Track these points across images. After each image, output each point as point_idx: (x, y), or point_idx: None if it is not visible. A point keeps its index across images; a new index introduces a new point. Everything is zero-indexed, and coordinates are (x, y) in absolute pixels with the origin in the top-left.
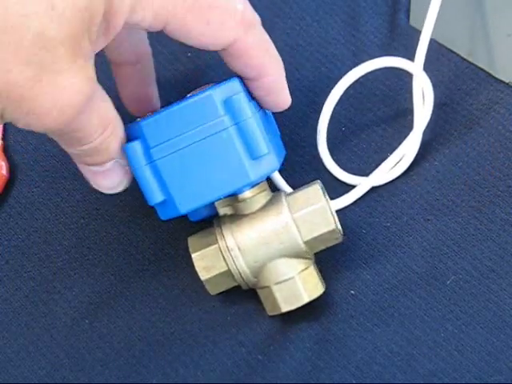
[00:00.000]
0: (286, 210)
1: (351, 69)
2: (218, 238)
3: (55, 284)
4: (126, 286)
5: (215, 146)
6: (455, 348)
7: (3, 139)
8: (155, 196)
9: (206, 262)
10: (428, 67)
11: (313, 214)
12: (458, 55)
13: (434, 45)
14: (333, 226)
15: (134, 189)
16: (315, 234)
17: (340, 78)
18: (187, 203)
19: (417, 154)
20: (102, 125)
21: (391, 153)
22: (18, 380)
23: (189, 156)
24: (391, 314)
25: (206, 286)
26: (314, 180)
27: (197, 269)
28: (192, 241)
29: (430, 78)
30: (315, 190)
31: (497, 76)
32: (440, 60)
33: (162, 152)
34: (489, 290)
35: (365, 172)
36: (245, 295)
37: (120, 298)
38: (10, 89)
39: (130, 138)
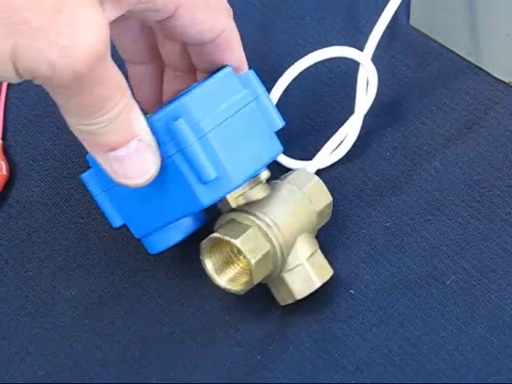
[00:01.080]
0: (296, 187)
1: (351, 68)
2: (253, 219)
3: (55, 284)
4: (125, 285)
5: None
6: (455, 348)
7: (3, 139)
8: (115, 221)
9: (252, 244)
10: (428, 67)
11: (315, 188)
12: (458, 55)
13: (434, 45)
14: (331, 198)
15: None
16: (321, 206)
17: (340, 77)
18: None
19: (417, 154)
20: (120, 88)
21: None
22: (17, 380)
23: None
24: (391, 313)
25: (252, 273)
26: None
27: (245, 253)
28: (222, 232)
29: (430, 78)
30: (303, 171)
31: (497, 76)
32: (440, 60)
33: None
34: (489, 290)
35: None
36: (244, 296)
37: (120, 298)
38: (30, 18)
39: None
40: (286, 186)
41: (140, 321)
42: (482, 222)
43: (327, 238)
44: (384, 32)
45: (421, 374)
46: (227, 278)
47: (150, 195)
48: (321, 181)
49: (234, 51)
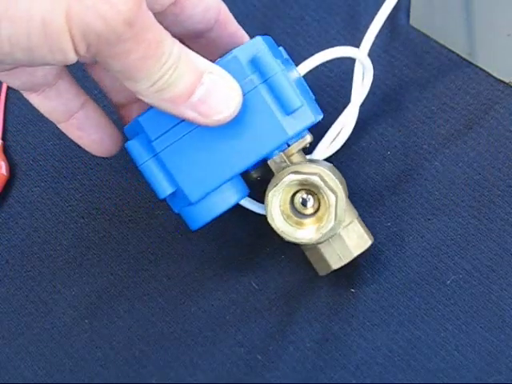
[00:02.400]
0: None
1: (351, 68)
2: (322, 168)
3: (55, 284)
4: (125, 285)
5: (247, 107)
6: (455, 348)
7: (3, 139)
8: (164, 189)
9: (333, 181)
10: (428, 67)
11: (333, 169)
12: (458, 55)
13: (434, 45)
14: (344, 181)
15: (134, 188)
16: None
17: (340, 77)
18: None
19: (417, 154)
20: (166, 32)
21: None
22: (18, 380)
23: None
24: (391, 313)
25: (337, 209)
26: None
27: (331, 185)
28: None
29: (430, 78)
30: (316, 160)
31: (497, 76)
32: (440, 60)
33: (164, 142)
34: (489, 290)
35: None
36: (244, 295)
37: (120, 297)
38: None
39: (130, 137)
40: (312, 162)
41: (140, 321)
42: (481, 222)
43: None
44: (384, 32)
45: (421, 374)
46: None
47: (219, 141)
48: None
49: (236, 25)
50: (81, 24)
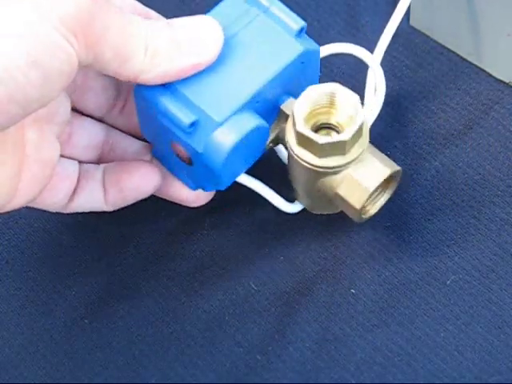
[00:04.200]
0: None
1: (352, 68)
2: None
3: (55, 284)
4: (125, 285)
5: (253, 32)
6: (455, 348)
7: None
8: (187, 116)
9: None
10: (428, 67)
11: None
12: (458, 55)
13: (434, 45)
14: None
15: None
16: None
17: (340, 77)
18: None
19: (417, 154)
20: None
21: None
22: (17, 380)
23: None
24: (391, 313)
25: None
26: None
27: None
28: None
29: (430, 78)
30: None
31: (497, 76)
32: (440, 60)
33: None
34: (489, 290)
35: None
36: (243, 296)
37: (120, 298)
38: None
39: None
40: None
41: (140, 321)
42: (481, 222)
43: (328, 237)
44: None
45: (421, 374)
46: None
47: (232, 65)
48: None
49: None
50: (58, 15)
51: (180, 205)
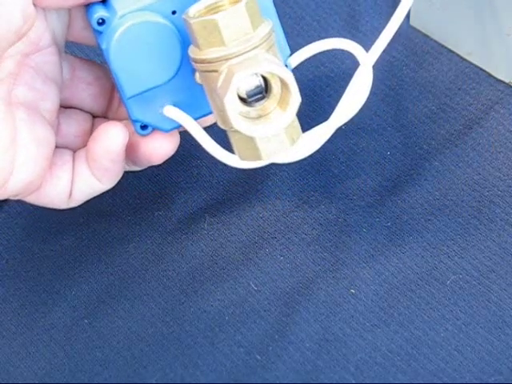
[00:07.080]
0: None
1: (351, 68)
2: None
3: (55, 284)
4: (125, 285)
5: None
6: (455, 348)
7: None
8: None
9: None
10: (428, 67)
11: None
12: (458, 55)
13: (434, 45)
14: None
15: (134, 188)
16: None
17: (340, 77)
18: None
19: (417, 154)
20: None
21: None
22: (17, 380)
23: None
24: (391, 313)
25: None
26: None
27: None
28: None
29: (430, 78)
30: None
31: (497, 76)
32: (440, 60)
33: None
34: (489, 290)
35: None
36: (243, 296)
37: (120, 297)
38: None
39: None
40: None
41: (140, 321)
42: (482, 222)
43: (328, 237)
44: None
45: (421, 374)
46: None
47: None
48: None
49: None
50: None
51: (180, 205)
